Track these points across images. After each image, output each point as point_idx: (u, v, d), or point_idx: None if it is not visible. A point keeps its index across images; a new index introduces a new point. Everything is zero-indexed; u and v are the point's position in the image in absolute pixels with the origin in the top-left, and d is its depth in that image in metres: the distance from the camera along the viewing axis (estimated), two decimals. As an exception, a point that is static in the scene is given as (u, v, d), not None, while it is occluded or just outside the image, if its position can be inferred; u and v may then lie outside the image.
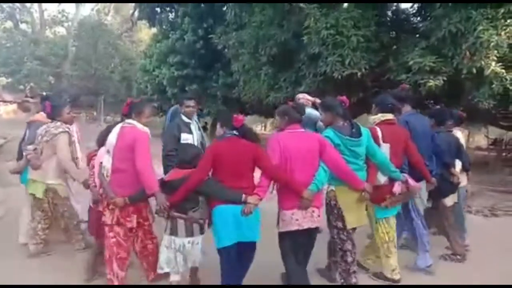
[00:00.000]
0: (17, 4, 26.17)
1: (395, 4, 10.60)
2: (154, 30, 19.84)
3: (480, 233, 5.57)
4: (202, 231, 3.28)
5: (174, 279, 3.31)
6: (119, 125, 3.42)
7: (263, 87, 10.67)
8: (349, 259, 3.46)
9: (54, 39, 28.61)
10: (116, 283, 3.31)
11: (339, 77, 8.41)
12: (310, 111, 4.74)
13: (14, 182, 7.54)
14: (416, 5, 10.59)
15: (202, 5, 15.09)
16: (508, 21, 7.04)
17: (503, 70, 7.10)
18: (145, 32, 29.01)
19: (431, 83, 7.64)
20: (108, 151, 3.34)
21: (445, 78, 7.71)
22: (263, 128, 31.50)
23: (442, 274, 4.05)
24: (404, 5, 11.12)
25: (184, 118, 4.41)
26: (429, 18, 8.95)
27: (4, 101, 26.22)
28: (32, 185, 4.13)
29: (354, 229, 3.56)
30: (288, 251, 3.32)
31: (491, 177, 9.98)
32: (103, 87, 25.91)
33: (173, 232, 3.21)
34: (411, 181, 3.73)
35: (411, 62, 7.88)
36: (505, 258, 4.55)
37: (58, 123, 4.08)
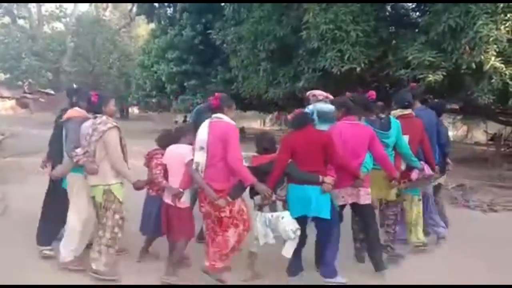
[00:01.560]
0: (15, 0, 26.01)
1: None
2: (152, 25, 19.78)
3: (479, 228, 5.60)
4: (286, 207, 3.61)
5: (251, 249, 3.63)
6: (207, 120, 3.54)
7: (262, 83, 10.66)
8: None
9: (52, 34, 28.40)
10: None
11: (338, 72, 8.40)
12: (331, 107, 4.73)
13: (11, 180, 7.58)
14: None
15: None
16: (508, 15, 7.01)
17: (503, 65, 7.08)
18: (144, 28, 28.89)
19: (431, 78, 7.63)
20: (201, 147, 3.44)
21: (444, 73, 7.70)
22: (262, 123, 31.45)
23: (440, 268, 4.06)
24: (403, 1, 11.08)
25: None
26: (428, 13, 8.92)
27: (2, 97, 26.13)
28: (92, 190, 3.66)
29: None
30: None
31: (490, 172, 9.98)
32: (101, 83, 25.82)
33: (260, 208, 3.54)
34: (427, 170, 4.19)
35: (410, 57, 7.87)
36: (502, 252, 4.56)
37: (104, 118, 3.61)
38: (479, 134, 25.49)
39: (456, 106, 14.10)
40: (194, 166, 3.46)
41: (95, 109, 3.64)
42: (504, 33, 6.97)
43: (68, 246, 3.76)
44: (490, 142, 19.01)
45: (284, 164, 3.50)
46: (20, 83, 25.65)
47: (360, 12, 8.60)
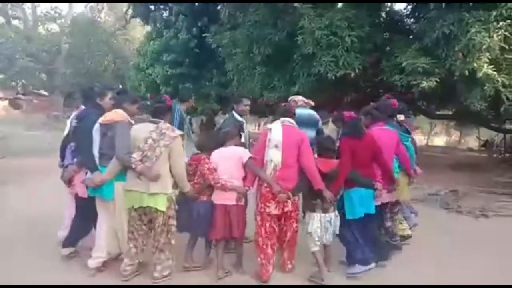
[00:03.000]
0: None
1: (388, 5, 10.66)
2: (148, 28, 19.74)
3: (470, 233, 5.63)
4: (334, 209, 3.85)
5: (315, 249, 3.78)
6: (278, 123, 3.79)
7: (257, 87, 10.67)
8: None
9: (46, 35, 28.27)
10: (270, 269, 3.67)
11: (333, 77, 8.43)
12: (311, 112, 5.04)
13: (4, 181, 7.53)
14: (409, 7, 10.67)
15: (197, 4, 15.05)
16: (500, 23, 7.09)
17: (495, 73, 7.15)
18: (139, 30, 28.83)
19: (424, 84, 7.68)
20: (276, 146, 3.65)
21: (437, 80, 7.75)
22: (257, 127, 31.45)
23: (433, 272, 4.09)
24: (397, 7, 11.20)
25: (237, 116, 4.74)
26: (422, 20, 9.01)
27: (-5, 98, 25.95)
28: (149, 198, 3.52)
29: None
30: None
31: (482, 178, 10.06)
32: (96, 85, 25.74)
33: (326, 210, 3.75)
34: (418, 170, 4.80)
35: (404, 63, 7.91)
36: (493, 256, 4.60)
37: (168, 124, 3.59)
38: (472, 140, 25.71)
39: (449, 112, 14.24)
40: (268, 164, 3.67)
41: (163, 114, 3.66)
42: (496, 41, 7.03)
43: (100, 256, 3.74)
44: (483, 148, 19.20)
45: (349, 171, 3.79)
46: (13, 84, 25.49)
47: (355, 18, 8.65)
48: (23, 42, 25.00)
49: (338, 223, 3.82)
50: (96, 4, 30.50)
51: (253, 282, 3.75)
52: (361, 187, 3.85)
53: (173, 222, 3.66)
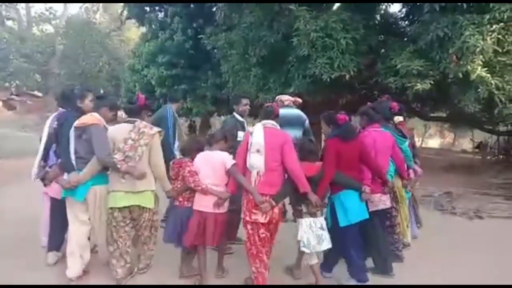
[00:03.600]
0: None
1: (383, 8, 10.71)
2: (143, 29, 19.68)
3: (465, 234, 5.67)
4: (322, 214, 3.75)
5: (313, 262, 3.66)
6: (259, 125, 3.62)
7: (253, 88, 10.67)
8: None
9: (41, 36, 28.11)
10: (261, 281, 3.48)
11: (328, 79, 8.45)
12: (298, 112, 5.03)
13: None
14: (404, 9, 10.73)
15: (192, 5, 15.04)
16: (494, 26, 7.15)
17: (489, 75, 7.20)
18: (134, 31, 28.75)
19: (418, 86, 7.72)
20: (258, 151, 3.47)
21: (432, 82, 7.80)
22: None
23: (427, 273, 4.10)
24: (392, 9, 11.25)
25: (238, 117, 4.82)
26: (417, 22, 9.05)
27: (-11, 99, 25.75)
28: (136, 197, 3.55)
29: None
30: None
31: (476, 179, 10.13)
32: (91, 86, 25.62)
33: (313, 214, 3.63)
34: (418, 169, 4.83)
35: (398, 66, 7.96)
36: (488, 257, 4.62)
37: (145, 122, 3.62)
38: (466, 142, 25.87)
39: (443, 115, 14.32)
40: (251, 169, 3.50)
41: (140, 113, 3.69)
42: (490, 44, 7.09)
43: (78, 262, 3.64)
44: (476, 150, 19.33)
45: (334, 173, 3.66)
46: (7, 85, 25.31)
47: (350, 20, 8.69)
48: (17, 43, 24.86)
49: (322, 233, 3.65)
50: (91, 5, 30.41)
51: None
52: (349, 189, 3.72)
53: (157, 217, 3.82)
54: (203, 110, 16.16)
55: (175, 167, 3.82)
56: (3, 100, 25.76)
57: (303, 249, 3.60)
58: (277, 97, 5.50)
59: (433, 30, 7.67)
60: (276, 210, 3.53)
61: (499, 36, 7.16)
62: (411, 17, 10.32)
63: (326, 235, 3.63)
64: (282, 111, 4.23)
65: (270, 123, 3.66)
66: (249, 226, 3.55)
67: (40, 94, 27.69)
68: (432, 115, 14.56)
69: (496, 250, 4.99)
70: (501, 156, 16.06)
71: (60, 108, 4.18)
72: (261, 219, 3.47)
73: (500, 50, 7.30)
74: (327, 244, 3.63)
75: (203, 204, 3.60)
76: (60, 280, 3.66)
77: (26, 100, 26.84)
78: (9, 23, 27.85)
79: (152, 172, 3.63)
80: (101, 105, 3.82)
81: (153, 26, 16.70)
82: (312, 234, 3.58)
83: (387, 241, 4.15)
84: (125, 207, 3.56)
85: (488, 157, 16.51)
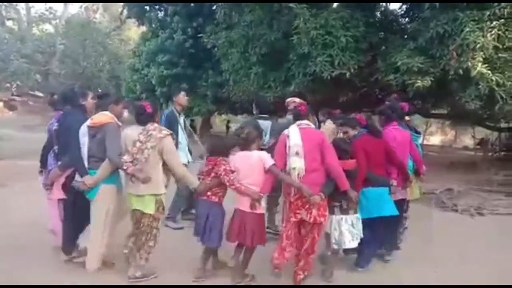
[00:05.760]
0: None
1: (383, 5, 10.68)
2: (143, 28, 19.70)
3: (466, 231, 5.67)
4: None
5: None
6: (294, 127, 3.64)
7: (253, 87, 10.67)
8: None
9: (41, 36, 28.11)
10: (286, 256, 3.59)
11: (328, 77, 8.45)
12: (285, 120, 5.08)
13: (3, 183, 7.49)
14: (404, 7, 10.70)
15: (192, 4, 15.03)
16: (494, 23, 7.13)
17: (489, 71, 7.19)
18: (134, 31, 28.76)
19: (419, 83, 7.71)
20: (297, 153, 3.50)
21: (432, 79, 7.78)
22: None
23: (419, 271, 4.10)
24: (392, 6, 11.22)
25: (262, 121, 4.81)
26: (417, 19, 9.04)
27: (-10, 100, 25.76)
28: (137, 201, 3.55)
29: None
30: None
31: (478, 176, 10.11)
32: (91, 86, 25.62)
33: (345, 211, 3.77)
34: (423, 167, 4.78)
35: (399, 63, 7.94)
36: (489, 254, 4.62)
37: (155, 125, 3.59)
38: (467, 139, 25.83)
39: (444, 111, 14.31)
40: (291, 171, 3.51)
41: (148, 119, 3.61)
42: (490, 40, 7.08)
43: (97, 257, 3.69)
44: (478, 147, 19.30)
45: (366, 170, 3.83)
46: (8, 85, 25.32)
47: (350, 18, 8.67)
48: (17, 43, 24.86)
49: (361, 226, 3.81)
50: (91, 4, 30.41)
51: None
52: (375, 186, 3.91)
53: (157, 224, 3.67)
54: (203, 109, 16.18)
55: (210, 164, 3.77)
56: (4, 100, 25.79)
57: (334, 246, 3.78)
58: (288, 100, 5.35)
59: (433, 27, 7.65)
60: (321, 209, 3.57)
61: (500, 32, 7.14)
62: (411, 14, 10.30)
63: (355, 232, 3.76)
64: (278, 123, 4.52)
65: (304, 123, 3.69)
66: (289, 226, 3.63)
67: (41, 94, 27.72)
68: (433, 112, 14.55)
69: (498, 247, 4.99)
70: (502, 153, 16.04)
71: (57, 111, 4.14)
72: (306, 218, 3.55)
73: (500, 46, 7.28)
74: (354, 243, 3.76)
75: (243, 203, 3.63)
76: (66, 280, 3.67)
77: (27, 101, 26.88)
78: (9, 23, 27.87)
79: (166, 175, 3.65)
80: (108, 102, 3.80)
81: (153, 25, 16.72)
82: (338, 230, 3.73)
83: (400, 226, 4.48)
84: (133, 210, 3.61)
85: (490, 154, 16.49)
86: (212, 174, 3.70)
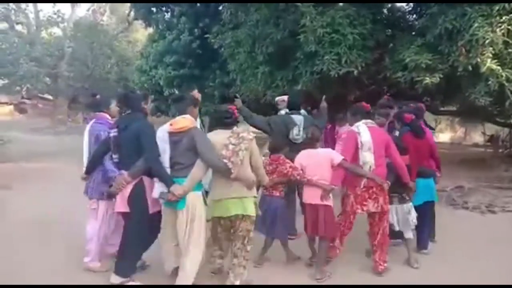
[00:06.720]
0: (12, 5, 25.96)
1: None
2: (150, 30, 19.77)
3: (477, 229, 5.61)
4: None
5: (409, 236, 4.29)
6: (363, 125, 3.99)
7: (260, 86, 10.66)
8: None
9: (49, 40, 28.33)
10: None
11: (336, 75, 8.41)
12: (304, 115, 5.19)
13: (13, 185, 7.57)
14: (411, 3, 10.61)
15: (198, 4, 15.06)
16: (503, 18, 7.04)
17: (499, 67, 7.10)
18: (141, 32, 28.87)
19: (428, 80, 7.64)
20: (369, 148, 3.88)
21: (441, 76, 7.72)
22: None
23: (430, 269, 4.07)
24: (399, 3, 11.14)
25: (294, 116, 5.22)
26: (424, 16, 8.95)
27: (0, 103, 26.10)
28: (236, 204, 3.50)
29: None
30: None
31: (488, 173, 10.01)
32: (99, 88, 25.80)
33: (402, 201, 4.25)
34: None
35: (407, 60, 7.87)
36: (500, 252, 4.57)
37: (242, 128, 3.62)
38: (477, 136, 25.56)
39: (454, 108, 14.17)
40: (364, 165, 3.89)
41: (234, 122, 3.71)
42: (499, 36, 6.99)
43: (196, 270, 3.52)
44: (488, 144, 19.08)
45: (417, 164, 4.37)
46: (18, 88, 25.59)
47: (356, 15, 8.63)
48: (26, 46, 25.08)
49: (414, 213, 4.23)
50: (98, 7, 30.61)
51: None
52: (424, 177, 4.47)
53: (252, 227, 3.66)
54: (211, 109, 16.19)
55: (273, 163, 4.12)
56: (15, 104, 26.10)
57: (397, 228, 4.22)
58: (277, 98, 5.94)
59: (441, 23, 7.58)
60: (385, 198, 3.97)
61: (509, 27, 7.04)
62: (419, 10, 10.21)
63: (411, 218, 4.19)
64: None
65: (370, 122, 4.08)
66: (352, 217, 4.03)
67: (50, 97, 27.99)
68: (442, 109, 14.41)
69: (509, 244, 4.93)
70: (513, 149, 15.82)
71: (96, 113, 4.09)
72: (373, 208, 3.94)
73: (510, 42, 7.17)
74: (410, 231, 4.23)
75: (313, 197, 3.95)
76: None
77: (37, 103, 27.17)
78: (18, 27, 28.13)
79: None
80: (186, 105, 3.73)
81: (160, 26, 16.77)
82: (397, 218, 4.18)
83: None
84: (228, 216, 3.57)
85: (500, 151, 16.28)
86: (276, 172, 4.07)
